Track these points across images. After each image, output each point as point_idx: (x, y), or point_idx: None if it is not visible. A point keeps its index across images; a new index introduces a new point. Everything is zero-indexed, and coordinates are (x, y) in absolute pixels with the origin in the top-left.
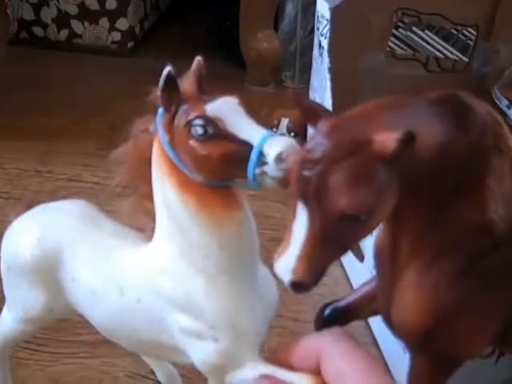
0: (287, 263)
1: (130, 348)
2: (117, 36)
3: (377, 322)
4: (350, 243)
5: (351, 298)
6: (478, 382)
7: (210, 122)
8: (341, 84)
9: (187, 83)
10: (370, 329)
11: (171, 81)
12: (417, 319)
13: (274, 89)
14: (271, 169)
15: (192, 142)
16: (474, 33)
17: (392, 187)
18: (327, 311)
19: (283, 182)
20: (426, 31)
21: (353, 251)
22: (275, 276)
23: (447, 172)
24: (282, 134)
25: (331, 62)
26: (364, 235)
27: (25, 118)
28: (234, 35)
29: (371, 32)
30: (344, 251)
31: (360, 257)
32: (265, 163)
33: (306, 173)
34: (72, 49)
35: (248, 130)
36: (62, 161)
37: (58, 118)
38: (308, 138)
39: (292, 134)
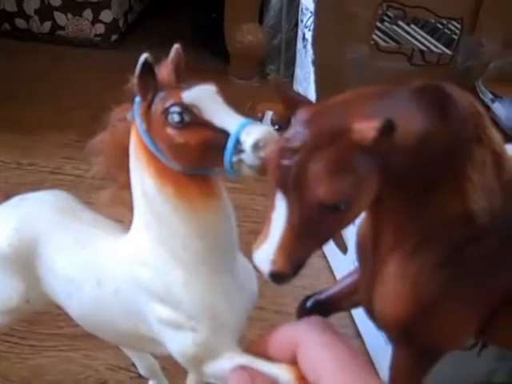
0: (266, 254)
1: (108, 339)
2: (100, 28)
3: (360, 314)
4: (330, 233)
5: (333, 289)
6: (462, 375)
7: (186, 109)
8: (324, 77)
9: (165, 71)
10: (352, 320)
11: (148, 68)
12: (398, 309)
13: (259, 82)
14: (248, 157)
15: (169, 130)
16: (459, 26)
17: (372, 177)
18: (309, 303)
19: (261, 171)
20: (412, 25)
21: (336, 243)
22: (255, 267)
23: (428, 162)
24: None
25: (315, 54)
26: (344, 225)
27: (6, 110)
28: (218, 28)
29: (355, 25)
30: (324, 242)
31: (343, 249)
32: (242, 151)
33: (285, 162)
34: (55, 41)
35: (225, 117)
36: (45, 153)
37: (41, 111)
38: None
39: (276, 126)
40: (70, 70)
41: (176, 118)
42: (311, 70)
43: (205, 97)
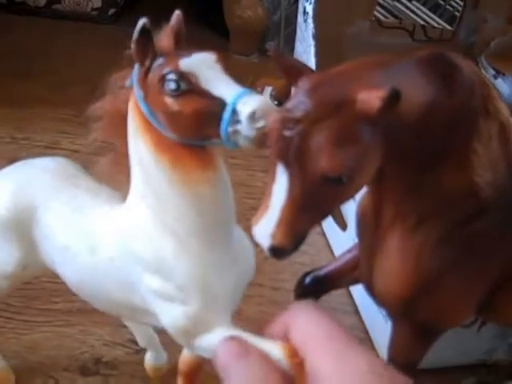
0: (266, 228)
1: (103, 309)
2: (97, 2)
3: (358, 291)
4: (331, 207)
5: (332, 266)
6: (461, 352)
7: (183, 76)
8: (325, 51)
9: (164, 37)
10: (351, 297)
11: (146, 33)
12: (399, 285)
13: (258, 58)
14: (244, 127)
15: (165, 98)
16: (461, 3)
17: (375, 148)
18: (307, 280)
19: (258, 142)
20: (413, 1)
21: (335, 220)
22: (253, 242)
23: (432, 134)
24: None
25: (316, 28)
26: (346, 199)
27: (1, 85)
28: (217, 3)
29: None
30: (325, 215)
31: (342, 226)
32: (238, 121)
33: (287, 133)
34: (51, 15)
35: (223, 86)
36: (40, 128)
37: (37, 86)
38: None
39: (275, 102)
40: (66, 44)
41: (172, 85)
42: (311, 43)
43: (203, 65)
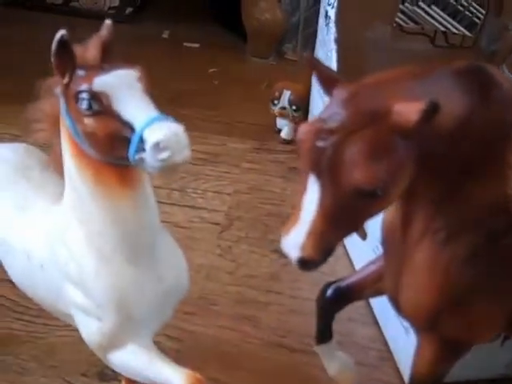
0: (295, 239)
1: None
2: (115, 1)
3: (378, 302)
4: (363, 220)
5: (355, 277)
6: (483, 366)
7: (95, 97)
8: (346, 55)
9: (91, 48)
10: (370, 308)
11: (64, 46)
12: (428, 299)
13: (275, 61)
14: (148, 157)
15: (81, 115)
16: (481, 10)
17: (410, 160)
18: (329, 291)
19: (164, 173)
20: (433, 6)
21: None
22: (284, 253)
23: (467, 146)
24: (283, 108)
25: (338, 32)
26: (378, 211)
27: (13, 82)
28: (236, 4)
29: (379, 4)
30: (356, 228)
31: (362, 235)
32: (144, 150)
33: (320, 143)
34: (68, 13)
35: (135, 110)
36: None
37: None
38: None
39: (294, 107)
40: (82, 42)
41: (85, 105)
42: (333, 48)
43: (120, 84)
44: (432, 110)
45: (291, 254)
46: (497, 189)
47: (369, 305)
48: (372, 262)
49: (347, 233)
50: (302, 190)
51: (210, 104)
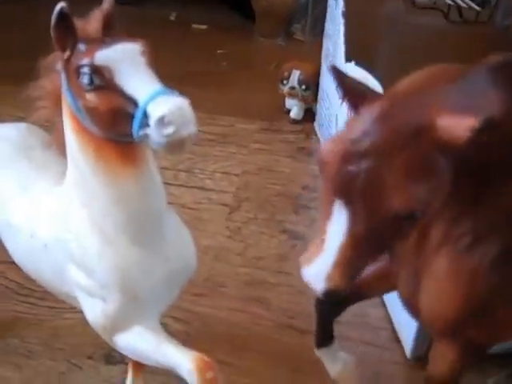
0: (320, 269)
1: (45, 288)
2: None
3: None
4: (396, 242)
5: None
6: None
7: (97, 71)
8: (355, 30)
9: (93, 21)
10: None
11: (64, 18)
12: (449, 307)
13: (284, 41)
14: (153, 132)
15: (83, 90)
16: None
17: (448, 175)
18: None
19: (170, 150)
20: None
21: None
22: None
23: (498, 149)
24: (292, 88)
25: (346, 5)
26: (411, 233)
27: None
28: None
29: None
30: (384, 251)
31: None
32: (148, 125)
33: (351, 168)
34: None
35: (138, 84)
36: None
37: None
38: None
39: (303, 86)
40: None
41: (86, 79)
42: (341, 22)
43: (122, 58)
44: (486, 128)
45: (316, 285)
46: None
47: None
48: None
49: (376, 258)
50: (325, 215)
51: (218, 85)
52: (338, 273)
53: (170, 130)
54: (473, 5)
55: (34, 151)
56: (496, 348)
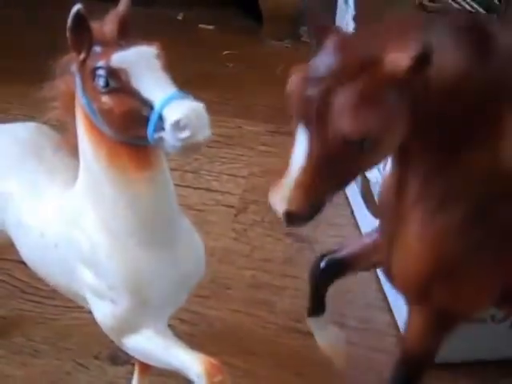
0: (282, 193)
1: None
2: None
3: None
4: (351, 174)
5: (350, 249)
6: (495, 347)
7: (113, 73)
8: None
9: (108, 23)
10: (383, 294)
11: (81, 21)
12: (418, 267)
13: (291, 43)
14: (168, 136)
15: (98, 92)
16: None
17: (401, 114)
18: (323, 263)
19: (184, 153)
20: None
21: (368, 208)
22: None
23: (463, 107)
24: None
25: (357, 9)
26: (366, 167)
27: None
28: None
29: None
30: (343, 184)
31: (375, 213)
32: (163, 129)
33: (309, 92)
34: None
35: (154, 88)
36: None
37: None
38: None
39: None
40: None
41: (101, 82)
42: (352, 26)
43: (138, 61)
44: (423, 58)
45: (278, 207)
46: (493, 156)
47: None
48: (368, 235)
49: (335, 188)
50: (293, 142)
51: (225, 87)
52: (298, 196)
53: (185, 133)
54: (480, 9)
55: (45, 151)
56: (496, 356)
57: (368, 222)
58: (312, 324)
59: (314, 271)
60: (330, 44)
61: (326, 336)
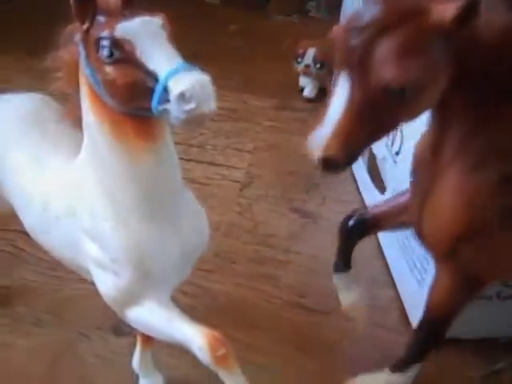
0: (320, 138)
1: (57, 258)
2: None
3: (397, 267)
4: (390, 124)
5: (380, 208)
6: (499, 324)
7: (117, 44)
8: None
9: None
10: (388, 268)
11: None
12: (450, 225)
13: (299, 19)
14: (173, 108)
15: (101, 62)
16: None
17: (444, 66)
18: (352, 221)
19: (189, 126)
20: None
21: (374, 183)
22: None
23: (506, 64)
24: (307, 65)
25: None
26: (406, 118)
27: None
28: None
29: None
30: (381, 133)
31: (381, 188)
32: (168, 100)
33: (352, 40)
34: None
35: (159, 59)
36: None
37: None
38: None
39: (318, 64)
40: None
41: (105, 52)
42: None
43: (143, 31)
44: (471, 8)
45: (314, 153)
46: None
47: (386, 266)
48: (398, 195)
49: (373, 137)
50: (333, 90)
51: (231, 61)
52: (336, 142)
53: (190, 105)
54: None
55: (49, 123)
56: (503, 333)
57: (374, 198)
58: (337, 281)
59: (343, 228)
60: None
61: (349, 295)
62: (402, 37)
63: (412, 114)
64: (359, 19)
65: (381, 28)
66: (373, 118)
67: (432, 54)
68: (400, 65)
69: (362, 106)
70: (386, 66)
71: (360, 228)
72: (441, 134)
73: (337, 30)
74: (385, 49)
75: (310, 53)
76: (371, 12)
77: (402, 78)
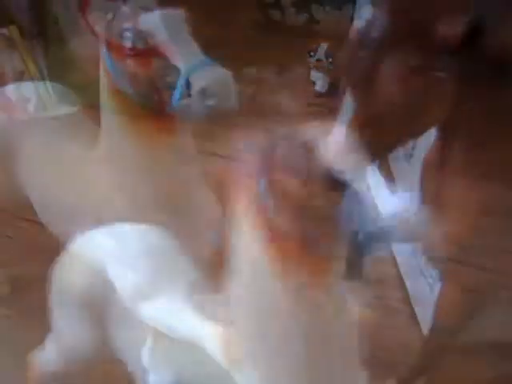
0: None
1: None
2: None
3: (405, 264)
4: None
5: None
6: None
7: (140, 35)
8: None
9: None
10: (397, 270)
11: None
12: (456, 235)
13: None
14: (194, 103)
15: (124, 54)
16: None
17: (449, 82)
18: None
19: (210, 120)
20: None
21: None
22: None
23: None
24: (319, 60)
25: None
26: (413, 135)
27: None
28: None
29: None
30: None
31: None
32: (189, 95)
33: (362, 53)
34: None
35: (181, 52)
36: None
37: None
38: None
39: (330, 59)
40: None
41: (128, 43)
42: None
43: (167, 23)
44: (476, 30)
45: None
46: None
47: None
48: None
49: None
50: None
51: (242, 54)
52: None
53: (211, 101)
54: None
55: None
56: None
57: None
58: None
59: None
60: (381, 8)
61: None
62: (406, 54)
63: (419, 131)
64: (366, 33)
65: (389, 42)
66: (381, 131)
67: (438, 69)
68: (405, 82)
69: (368, 119)
70: (392, 83)
71: (370, 242)
72: (446, 146)
73: (351, 36)
74: (390, 65)
75: (322, 48)
76: (377, 27)
77: (407, 94)
